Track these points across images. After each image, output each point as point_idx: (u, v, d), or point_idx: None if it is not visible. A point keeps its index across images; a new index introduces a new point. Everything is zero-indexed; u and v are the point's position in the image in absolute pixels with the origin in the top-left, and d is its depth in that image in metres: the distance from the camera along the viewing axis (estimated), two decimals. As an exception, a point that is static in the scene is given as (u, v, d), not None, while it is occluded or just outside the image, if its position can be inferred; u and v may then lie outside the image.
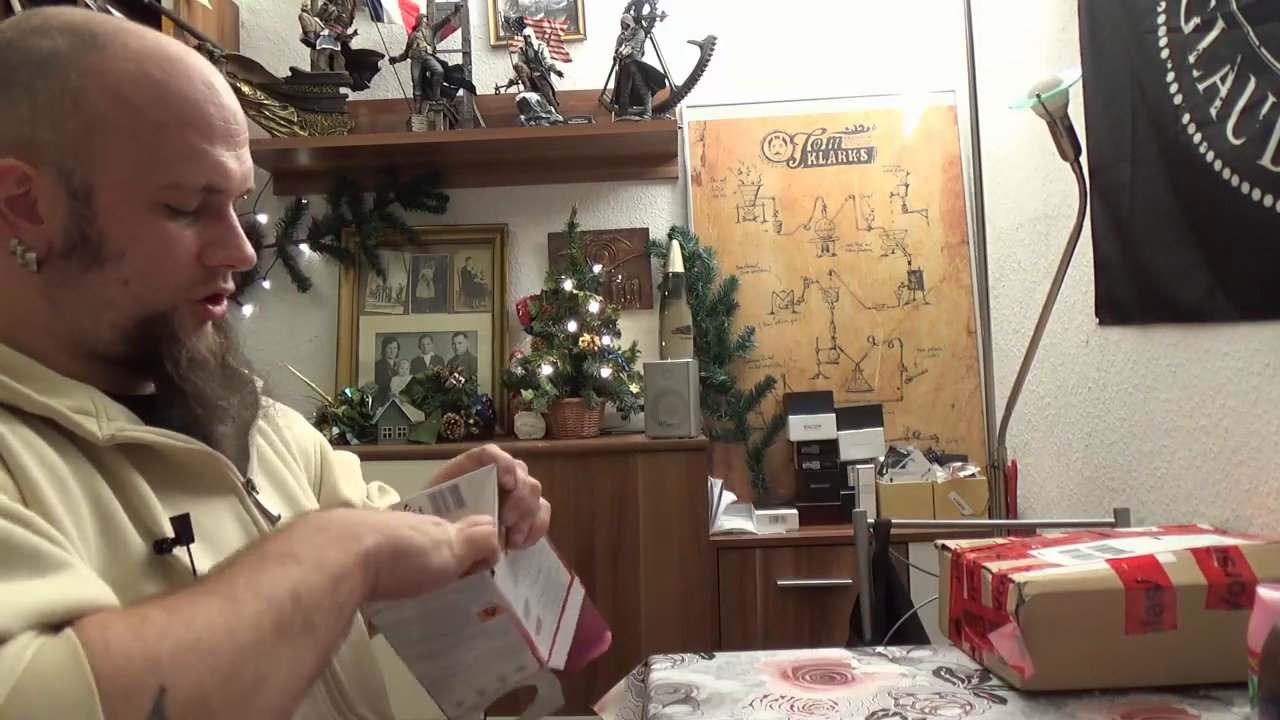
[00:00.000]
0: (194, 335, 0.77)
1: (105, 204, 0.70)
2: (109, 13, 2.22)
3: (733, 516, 2.25)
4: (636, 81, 2.30)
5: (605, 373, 2.27)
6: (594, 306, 2.32)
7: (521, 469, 0.85)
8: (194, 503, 0.74)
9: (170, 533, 0.70)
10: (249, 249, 0.77)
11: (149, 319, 0.73)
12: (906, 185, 2.48)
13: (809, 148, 2.51)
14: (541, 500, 0.87)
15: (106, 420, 0.70)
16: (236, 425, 0.81)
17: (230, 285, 0.79)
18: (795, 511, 2.23)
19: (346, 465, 1.05)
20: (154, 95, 0.71)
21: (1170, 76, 1.45)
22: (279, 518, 0.83)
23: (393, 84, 2.48)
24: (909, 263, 2.47)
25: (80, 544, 0.64)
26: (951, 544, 1.27)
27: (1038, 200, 2.07)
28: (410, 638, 0.76)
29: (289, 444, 0.95)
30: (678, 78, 2.36)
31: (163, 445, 0.72)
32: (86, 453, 0.69)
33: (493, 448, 0.85)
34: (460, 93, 2.43)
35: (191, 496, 0.74)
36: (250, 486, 0.81)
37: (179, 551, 0.70)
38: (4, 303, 0.72)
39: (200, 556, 0.71)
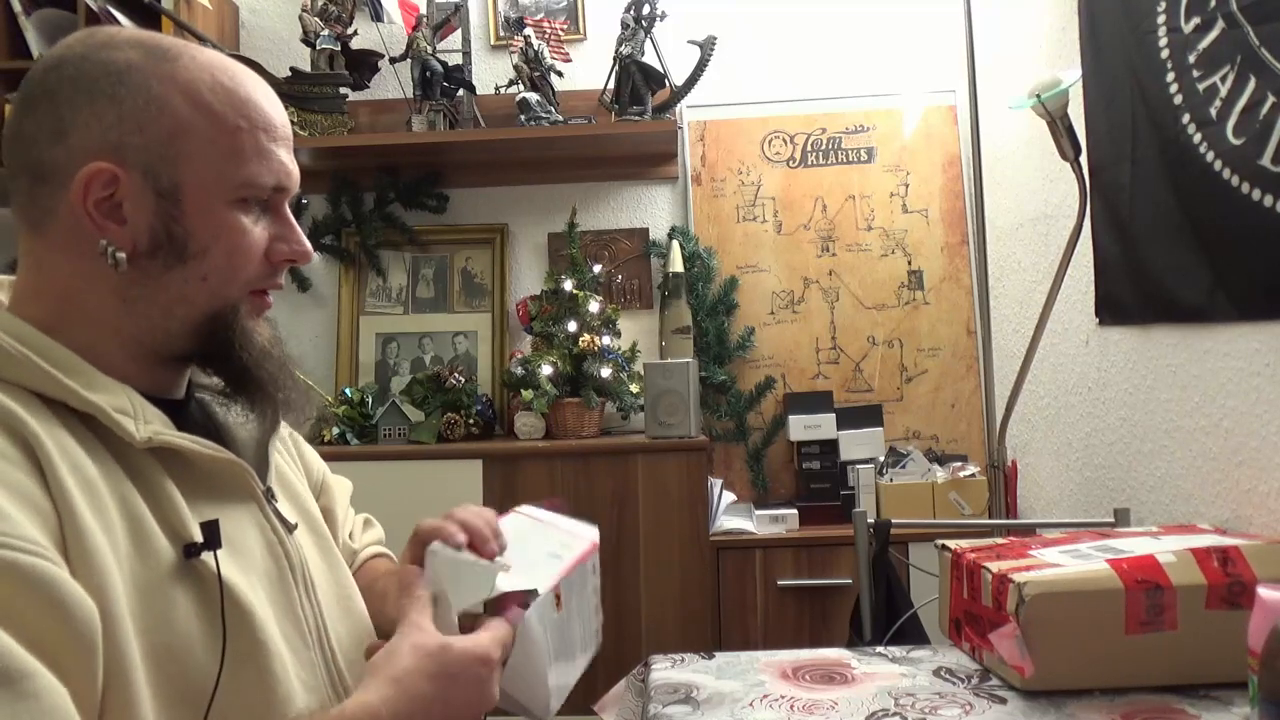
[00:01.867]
0: (256, 326, 0.80)
1: (192, 202, 0.74)
2: (110, 14, 2.22)
3: (733, 516, 2.25)
4: (636, 81, 2.30)
5: (605, 373, 2.27)
6: (594, 306, 2.32)
7: (449, 530, 0.85)
8: (217, 509, 0.75)
9: (199, 538, 0.71)
10: (308, 244, 0.82)
11: (219, 313, 0.77)
12: (906, 185, 2.48)
13: (809, 148, 2.51)
14: (472, 510, 0.89)
15: (144, 422, 0.71)
16: (259, 434, 0.84)
17: (282, 282, 0.83)
18: (795, 511, 2.23)
19: (343, 493, 1.07)
20: (229, 100, 0.75)
21: (1170, 76, 1.45)
22: (295, 525, 0.84)
23: (393, 84, 2.48)
24: (909, 263, 2.47)
25: (110, 552, 0.65)
26: (951, 544, 1.27)
27: (1038, 200, 2.07)
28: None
29: (294, 455, 0.97)
30: (678, 78, 2.36)
31: (193, 452, 0.74)
32: (117, 453, 0.70)
33: (426, 525, 0.86)
34: (460, 93, 2.43)
35: (215, 503, 0.76)
36: (270, 495, 0.82)
37: (206, 556, 0.71)
38: (72, 300, 0.74)
39: (224, 562, 0.72)
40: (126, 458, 0.70)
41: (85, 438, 0.69)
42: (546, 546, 0.90)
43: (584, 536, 0.94)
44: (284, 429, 0.94)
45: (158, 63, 0.73)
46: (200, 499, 0.74)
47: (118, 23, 2.12)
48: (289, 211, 0.81)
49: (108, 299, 0.74)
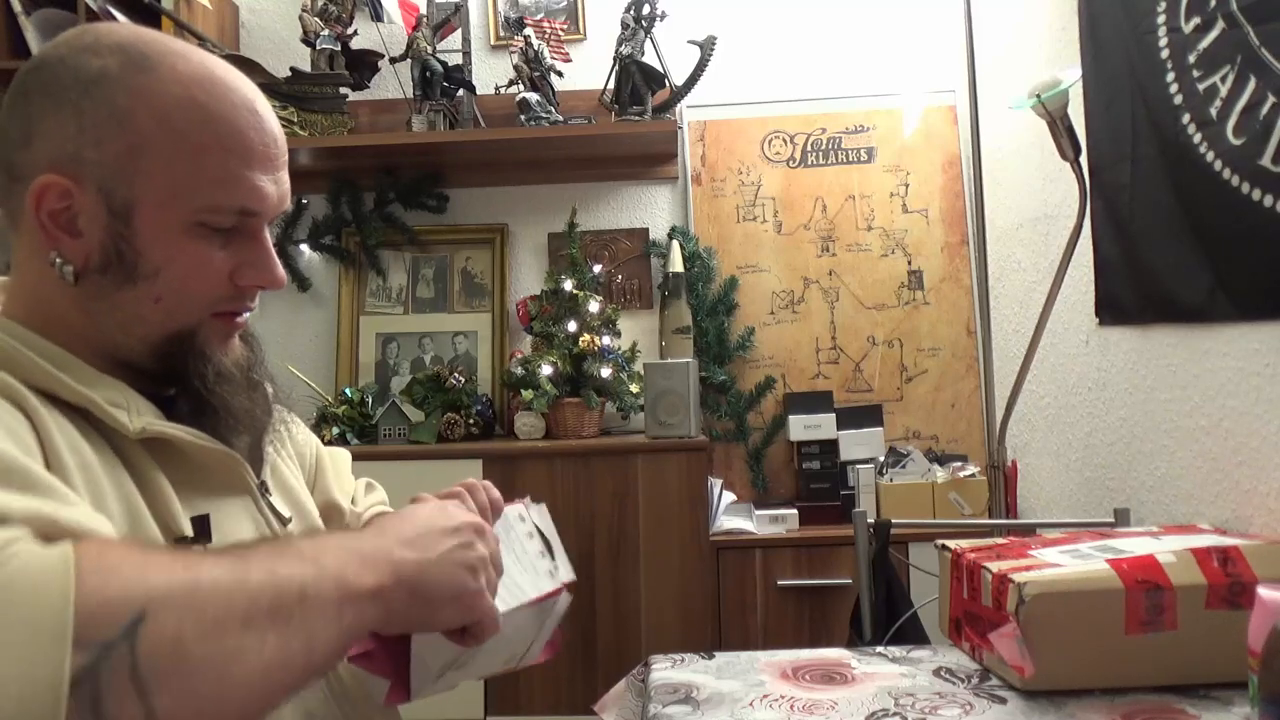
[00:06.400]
0: (220, 349, 0.78)
1: (143, 223, 0.71)
2: (110, 15, 2.21)
3: (733, 516, 2.25)
4: (636, 81, 2.30)
5: (605, 373, 2.27)
6: (594, 306, 2.32)
7: (474, 494, 0.87)
8: (210, 502, 0.75)
9: (189, 531, 0.71)
10: (280, 271, 0.79)
11: (176, 335, 0.75)
12: (906, 185, 2.48)
13: (809, 148, 2.51)
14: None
15: (137, 414, 0.71)
16: (253, 431, 0.82)
17: (255, 305, 0.80)
18: (795, 511, 2.23)
19: (338, 464, 1.06)
20: (197, 119, 0.72)
21: (1170, 76, 1.45)
22: (290, 519, 0.84)
23: (393, 84, 2.48)
24: (909, 263, 2.47)
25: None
26: (951, 544, 1.27)
27: (1038, 200, 2.07)
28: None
29: (288, 446, 0.96)
30: (678, 78, 2.36)
31: (187, 443, 0.74)
32: (113, 445, 0.70)
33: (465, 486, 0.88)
34: (460, 93, 2.43)
35: (208, 495, 0.75)
36: (264, 488, 0.82)
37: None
38: (42, 307, 0.73)
39: None
40: (121, 449, 0.70)
41: (82, 428, 0.69)
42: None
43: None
44: (285, 418, 0.93)
45: (131, 73, 0.71)
46: (193, 492, 0.74)
47: (117, 22, 2.11)
48: (266, 235, 0.78)
49: (70, 308, 0.73)
